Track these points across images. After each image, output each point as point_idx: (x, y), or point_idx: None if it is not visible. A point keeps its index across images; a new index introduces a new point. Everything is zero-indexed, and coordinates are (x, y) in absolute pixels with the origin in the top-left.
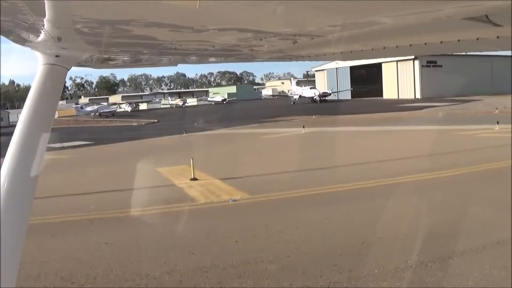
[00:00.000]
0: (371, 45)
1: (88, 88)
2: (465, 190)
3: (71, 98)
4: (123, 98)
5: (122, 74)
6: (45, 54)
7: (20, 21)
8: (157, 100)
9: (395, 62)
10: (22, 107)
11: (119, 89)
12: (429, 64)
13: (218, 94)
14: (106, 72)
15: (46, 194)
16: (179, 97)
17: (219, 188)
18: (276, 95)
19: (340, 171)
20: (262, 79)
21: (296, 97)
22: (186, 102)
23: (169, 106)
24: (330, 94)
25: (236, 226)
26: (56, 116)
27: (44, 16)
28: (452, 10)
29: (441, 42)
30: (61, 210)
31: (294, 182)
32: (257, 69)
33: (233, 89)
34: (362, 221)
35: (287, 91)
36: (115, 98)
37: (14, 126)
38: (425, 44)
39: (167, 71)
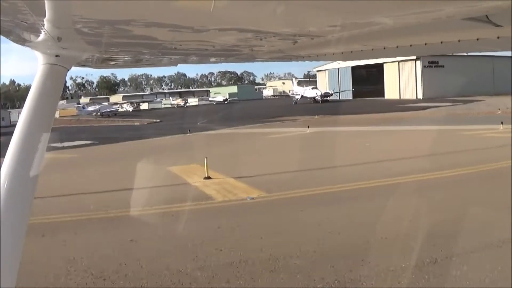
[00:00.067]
0: (371, 45)
1: (89, 88)
2: (475, 188)
3: (72, 98)
4: (124, 98)
5: (122, 74)
6: (45, 54)
7: (20, 21)
8: (158, 100)
9: (397, 63)
10: (22, 107)
11: (120, 89)
12: (431, 64)
13: (219, 94)
14: (106, 72)
15: (64, 192)
16: (180, 97)
17: (234, 187)
18: (277, 95)
19: (353, 169)
20: (262, 79)
21: (298, 97)
22: (187, 102)
23: (170, 106)
24: (332, 94)
25: (258, 223)
26: (58, 115)
27: (44, 16)
28: (452, 10)
29: (441, 42)
30: (80, 208)
31: (308, 181)
32: (258, 69)
33: (234, 89)
34: (384, 218)
35: (288, 91)
36: (116, 98)
37: (15, 125)
38: (425, 44)
39: (168, 71)
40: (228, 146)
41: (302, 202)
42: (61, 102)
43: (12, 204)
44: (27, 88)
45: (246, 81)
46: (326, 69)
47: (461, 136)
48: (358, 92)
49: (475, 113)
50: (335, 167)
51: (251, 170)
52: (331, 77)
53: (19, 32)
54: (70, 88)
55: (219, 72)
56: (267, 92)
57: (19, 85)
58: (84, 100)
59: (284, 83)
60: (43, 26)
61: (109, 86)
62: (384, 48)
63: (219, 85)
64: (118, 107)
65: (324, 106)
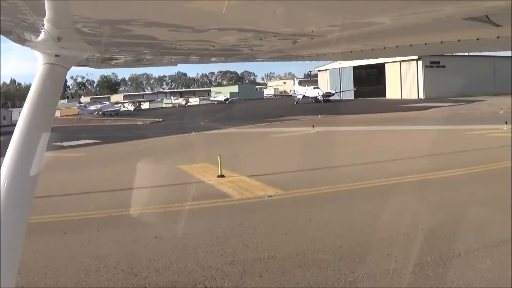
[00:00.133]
0: (371, 45)
1: (89, 87)
2: (484, 187)
3: (72, 97)
4: (124, 97)
5: (123, 73)
6: (45, 54)
7: (20, 20)
8: (159, 99)
9: (399, 63)
10: (23, 106)
11: (120, 88)
12: (432, 64)
13: (220, 94)
14: (107, 71)
15: (80, 190)
16: (181, 97)
17: (250, 185)
18: (278, 95)
19: (366, 168)
20: (263, 78)
21: (300, 96)
22: (188, 102)
23: (171, 105)
24: (333, 94)
25: (279, 220)
26: (59, 115)
27: (44, 15)
28: (452, 10)
29: (441, 42)
30: (99, 206)
31: (321, 179)
32: (258, 68)
33: (235, 88)
34: (403, 214)
35: (289, 91)
36: (116, 97)
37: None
38: (425, 44)
39: (168, 70)
40: (235, 145)
41: (320, 200)
42: (62, 101)
43: (12, 204)
44: (28, 87)
45: (247, 81)
46: (328, 69)
47: (467, 136)
48: (359, 92)
49: (478, 113)
50: (346, 166)
51: (263, 169)
52: (332, 77)
53: (19, 32)
54: (70, 87)
55: (220, 71)
56: (268, 91)
57: (19, 84)
58: (84, 99)
59: (285, 82)
60: (43, 26)
61: (109, 86)
62: (384, 48)
63: (219, 84)
64: (120, 106)
65: (326, 106)
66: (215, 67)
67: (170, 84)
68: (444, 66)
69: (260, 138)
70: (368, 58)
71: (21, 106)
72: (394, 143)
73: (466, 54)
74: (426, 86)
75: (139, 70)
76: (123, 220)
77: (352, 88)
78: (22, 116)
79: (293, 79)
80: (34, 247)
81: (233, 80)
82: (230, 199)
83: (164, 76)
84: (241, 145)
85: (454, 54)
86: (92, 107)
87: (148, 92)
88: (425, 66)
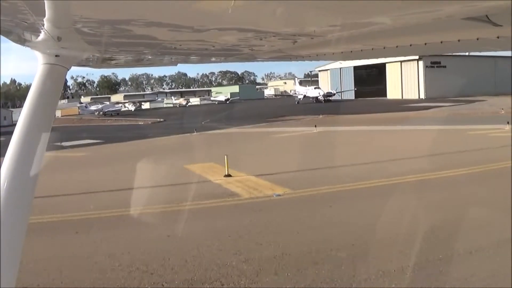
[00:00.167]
0: (371, 45)
1: (90, 87)
2: (485, 187)
3: (72, 97)
4: (125, 97)
5: (123, 73)
6: (45, 54)
7: (20, 20)
8: (159, 99)
9: (399, 63)
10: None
11: (121, 88)
12: (433, 64)
13: (221, 94)
14: (107, 71)
15: (88, 190)
16: (181, 97)
17: (257, 184)
18: (278, 95)
19: (371, 167)
20: (263, 78)
21: (301, 97)
22: (189, 102)
23: (172, 105)
24: (334, 94)
25: (290, 218)
26: (60, 115)
27: (44, 16)
28: (452, 10)
29: (441, 42)
30: (107, 205)
31: (328, 178)
32: (258, 68)
33: (235, 88)
34: (413, 212)
35: (289, 91)
36: (117, 97)
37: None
38: (425, 44)
39: (169, 70)
40: (239, 145)
41: (328, 199)
42: (62, 101)
43: (12, 204)
44: (28, 88)
45: (247, 81)
46: (328, 69)
47: (469, 136)
48: (360, 92)
49: (479, 113)
50: (352, 165)
51: (269, 168)
52: (333, 77)
53: (19, 32)
54: (71, 87)
55: (220, 72)
56: (269, 92)
57: (19, 84)
58: (84, 99)
59: (285, 82)
60: (43, 26)
61: (110, 86)
62: (384, 48)
63: (219, 84)
64: (121, 106)
65: (327, 106)
66: (215, 67)
67: (170, 84)
68: (445, 66)
69: (263, 138)
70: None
71: (21, 106)
72: (397, 143)
73: (467, 54)
74: (427, 86)
75: (139, 70)
76: (134, 219)
77: (353, 88)
78: (22, 116)
79: (294, 79)
80: (47, 246)
81: (233, 80)
82: (239, 198)
83: (165, 76)
84: (244, 145)
85: (455, 54)
86: (93, 107)
87: (148, 92)
88: (426, 66)
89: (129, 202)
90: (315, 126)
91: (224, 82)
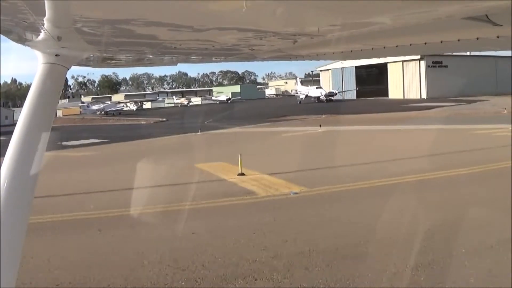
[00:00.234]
0: (371, 45)
1: (91, 87)
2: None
3: (73, 97)
4: (126, 97)
5: (124, 73)
6: (45, 53)
7: (20, 20)
8: (160, 99)
9: (401, 62)
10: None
11: (121, 88)
12: (435, 64)
13: (222, 93)
14: (108, 71)
15: (104, 188)
16: (183, 96)
17: (272, 182)
18: (279, 95)
19: (380, 166)
20: (263, 78)
21: (302, 96)
22: (190, 101)
23: (173, 105)
24: (336, 93)
25: (311, 215)
26: (61, 114)
27: (44, 15)
28: (452, 10)
29: (441, 41)
30: (126, 203)
31: (341, 177)
32: (259, 68)
33: (237, 88)
34: (426, 209)
35: (290, 91)
36: (118, 97)
37: None
38: (425, 43)
39: (169, 70)
40: (245, 145)
41: (345, 196)
42: (63, 101)
43: (12, 204)
44: (29, 87)
45: (247, 81)
46: (330, 69)
47: (474, 135)
48: (361, 92)
49: (481, 113)
50: (363, 164)
51: (280, 167)
52: (334, 76)
53: (19, 31)
54: (71, 87)
55: (221, 71)
56: (270, 91)
57: (20, 84)
58: (85, 99)
59: (286, 82)
60: (43, 26)
61: (110, 85)
62: (384, 48)
63: (220, 84)
64: (123, 106)
65: (329, 106)
66: (216, 67)
67: (171, 84)
68: (446, 66)
69: (269, 137)
70: (368, 58)
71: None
72: (404, 142)
73: (468, 54)
74: (428, 86)
75: (140, 70)
76: (155, 217)
77: (355, 88)
78: (22, 116)
79: (296, 78)
80: (73, 244)
81: (234, 80)
82: (256, 196)
83: (165, 75)
84: (251, 144)
85: (456, 54)
86: (95, 107)
87: (149, 92)
88: (427, 66)
89: (149, 201)
90: (320, 125)
91: (225, 82)
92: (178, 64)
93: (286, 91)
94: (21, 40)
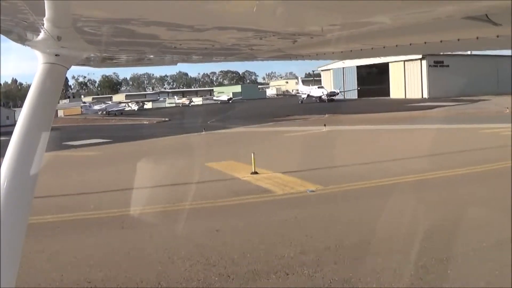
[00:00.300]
0: (371, 45)
1: (91, 87)
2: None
3: (73, 97)
4: (126, 97)
5: (124, 73)
6: (45, 53)
7: (20, 20)
8: (161, 99)
9: (402, 62)
10: None
11: (122, 88)
12: (436, 64)
13: (223, 93)
14: (108, 71)
15: (122, 186)
16: (183, 96)
17: (286, 181)
18: (280, 95)
19: (393, 164)
20: (264, 78)
21: (304, 96)
22: (192, 101)
23: (174, 105)
24: (338, 93)
25: (331, 212)
26: (63, 115)
27: (44, 15)
28: (452, 10)
29: (441, 41)
30: (145, 201)
31: (353, 174)
32: (259, 68)
33: (238, 88)
34: (442, 206)
35: (291, 91)
36: (118, 97)
37: None
38: (425, 43)
39: (170, 70)
40: (251, 144)
41: (362, 194)
42: (64, 101)
43: (12, 204)
44: (29, 87)
45: (248, 81)
46: (331, 69)
47: (484, 134)
48: (363, 92)
49: (484, 112)
50: (372, 162)
51: (290, 166)
52: (336, 76)
53: (19, 31)
54: (72, 87)
55: (221, 71)
56: (271, 91)
57: (21, 84)
58: (86, 99)
59: (287, 82)
60: (43, 26)
61: (111, 85)
62: (384, 47)
63: (220, 84)
64: (125, 106)
65: (331, 106)
66: (217, 67)
67: (171, 84)
68: (448, 66)
69: (274, 137)
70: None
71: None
72: (413, 141)
73: (470, 53)
74: (430, 86)
75: (140, 70)
76: (175, 215)
77: (356, 87)
78: (22, 116)
79: (297, 78)
80: (98, 242)
81: (235, 80)
82: (273, 194)
83: (166, 75)
84: (257, 144)
85: (458, 53)
86: (97, 107)
87: (149, 92)
88: (429, 66)
89: (167, 199)
90: (324, 125)
91: (225, 82)
92: (178, 64)
93: (287, 90)
94: (21, 40)
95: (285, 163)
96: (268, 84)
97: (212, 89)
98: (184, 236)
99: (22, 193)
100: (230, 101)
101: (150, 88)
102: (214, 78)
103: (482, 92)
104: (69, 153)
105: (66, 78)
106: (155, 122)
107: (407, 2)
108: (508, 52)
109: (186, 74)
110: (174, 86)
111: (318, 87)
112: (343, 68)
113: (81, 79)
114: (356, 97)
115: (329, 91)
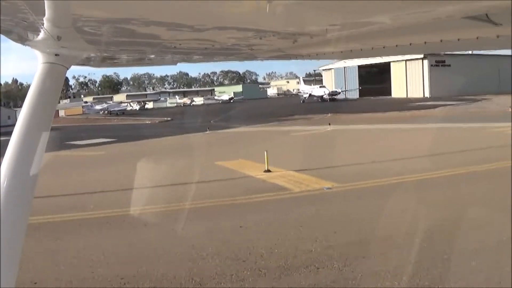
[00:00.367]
0: (371, 44)
1: (92, 87)
2: None
3: (74, 97)
4: (127, 97)
5: (125, 73)
6: (45, 53)
7: (20, 20)
8: (162, 99)
9: (404, 61)
10: None
11: (122, 88)
12: (438, 63)
13: (224, 93)
14: (109, 71)
15: (139, 185)
16: (184, 96)
17: (301, 178)
18: (281, 94)
19: (405, 162)
20: (264, 78)
21: (306, 95)
22: (193, 101)
23: (175, 104)
24: (339, 93)
25: (351, 209)
26: (64, 114)
27: (44, 15)
28: (452, 10)
29: (441, 41)
30: (164, 200)
31: (367, 172)
32: (259, 68)
33: (239, 88)
34: (457, 203)
35: (292, 90)
36: (119, 97)
37: None
38: (425, 43)
39: (170, 70)
40: (259, 143)
41: (379, 191)
42: (65, 101)
43: (12, 204)
44: (29, 87)
45: (248, 80)
46: (332, 68)
47: (492, 133)
48: (364, 91)
49: (487, 111)
50: (384, 161)
51: (302, 164)
52: (337, 76)
53: (19, 31)
54: (73, 87)
55: (222, 71)
56: (272, 91)
57: (21, 84)
58: (86, 99)
59: (288, 82)
60: (43, 25)
61: (111, 85)
62: (384, 47)
63: (221, 84)
64: (127, 105)
65: (333, 105)
66: (217, 67)
67: (172, 83)
68: (449, 65)
69: (279, 136)
70: (368, 57)
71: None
72: (420, 140)
73: (471, 53)
74: (431, 85)
75: (141, 70)
76: (195, 212)
77: (357, 87)
78: (22, 115)
79: (299, 78)
80: (123, 239)
81: (235, 80)
82: (290, 192)
83: (166, 75)
84: (264, 143)
85: (459, 53)
86: (98, 107)
87: (150, 92)
88: (430, 65)
89: (186, 197)
90: (329, 124)
91: (226, 82)
92: (179, 64)
93: (288, 90)
94: (21, 40)
95: (296, 161)
96: (269, 83)
97: (213, 89)
98: (207, 233)
99: (22, 193)
100: (232, 101)
101: (151, 88)
102: (215, 78)
103: (483, 91)
104: (78, 153)
105: (67, 78)
106: (157, 122)
107: (407, 2)
108: (508, 52)
109: (187, 74)
110: (174, 86)
111: (320, 87)
112: (344, 67)
113: (81, 79)
114: (358, 97)
115: (330, 90)
